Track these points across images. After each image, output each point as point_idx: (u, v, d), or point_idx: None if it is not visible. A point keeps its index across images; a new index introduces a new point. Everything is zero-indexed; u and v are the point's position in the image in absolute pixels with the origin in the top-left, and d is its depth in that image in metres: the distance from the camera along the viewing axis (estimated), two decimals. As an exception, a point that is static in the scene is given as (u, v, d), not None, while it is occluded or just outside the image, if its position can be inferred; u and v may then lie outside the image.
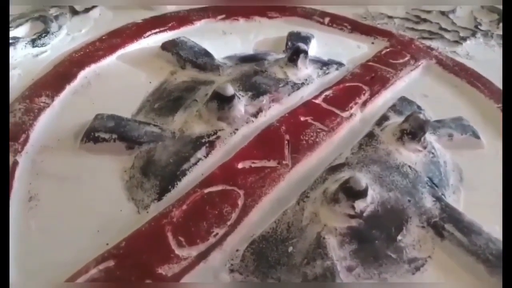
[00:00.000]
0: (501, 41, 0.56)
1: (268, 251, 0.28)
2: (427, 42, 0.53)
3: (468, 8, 0.63)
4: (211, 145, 0.34)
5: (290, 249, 0.28)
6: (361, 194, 0.29)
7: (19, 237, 0.28)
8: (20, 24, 0.48)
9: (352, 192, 0.28)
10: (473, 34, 0.56)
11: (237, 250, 0.28)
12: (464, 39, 0.55)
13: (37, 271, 0.26)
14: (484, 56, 0.53)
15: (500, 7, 0.65)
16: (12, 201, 0.30)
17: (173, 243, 0.27)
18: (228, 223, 0.29)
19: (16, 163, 0.33)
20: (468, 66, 0.49)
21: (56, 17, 0.50)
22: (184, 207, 0.30)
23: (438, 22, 0.58)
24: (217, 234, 0.28)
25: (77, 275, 0.25)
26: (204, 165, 0.33)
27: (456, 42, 0.54)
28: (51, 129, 0.37)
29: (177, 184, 0.32)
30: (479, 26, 0.58)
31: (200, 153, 0.33)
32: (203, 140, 0.34)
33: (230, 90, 0.35)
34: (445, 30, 0.57)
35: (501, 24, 0.59)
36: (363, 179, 0.29)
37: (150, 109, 0.39)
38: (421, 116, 0.35)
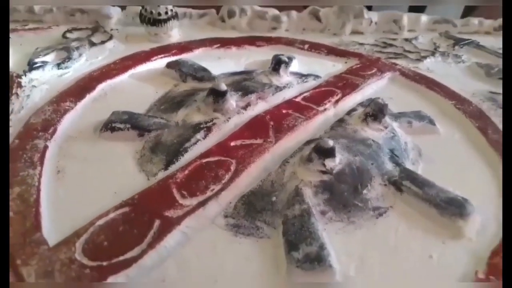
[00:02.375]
0: (456, 59, 0.65)
1: (255, 201, 0.34)
2: (393, 61, 0.62)
3: (428, 36, 0.73)
4: (208, 130, 0.41)
5: (274, 198, 0.34)
6: (330, 152, 0.35)
7: (49, 200, 0.34)
8: (47, 53, 0.57)
9: (322, 151, 0.35)
10: (433, 54, 0.66)
11: (230, 202, 0.34)
12: (425, 57, 0.64)
13: (65, 223, 0.32)
14: (442, 70, 0.61)
15: (456, 34, 0.75)
16: (44, 174, 0.37)
17: (177, 195, 0.33)
18: (223, 181, 0.35)
19: (46, 147, 0.39)
20: (430, 77, 0.58)
21: (77, 48, 0.59)
22: (186, 171, 0.36)
23: (402, 46, 0.68)
24: (213, 189, 0.34)
25: (98, 218, 0.31)
26: (202, 144, 0.40)
27: (418, 60, 0.63)
28: (74, 125, 0.44)
29: (180, 158, 0.38)
30: (437, 49, 0.68)
31: (199, 135, 0.40)
32: (202, 126, 0.41)
33: (223, 86, 0.43)
34: (409, 51, 0.66)
35: (456, 47, 0.69)
36: (330, 140, 0.35)
37: (157, 109, 0.47)
38: (380, 100, 0.42)
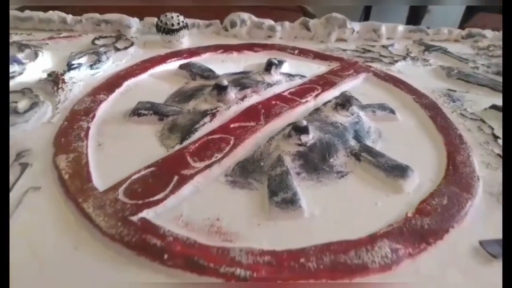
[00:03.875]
0: (424, 63, 0.77)
1: (248, 165, 0.45)
2: (369, 64, 0.74)
3: (403, 43, 0.85)
4: (213, 115, 0.53)
5: (262, 163, 0.46)
6: (304, 130, 0.46)
7: (95, 163, 0.46)
8: (81, 57, 0.69)
9: (299, 129, 0.46)
10: (404, 58, 0.77)
11: (229, 166, 0.46)
12: (397, 61, 0.75)
13: (108, 178, 0.43)
14: (410, 72, 0.72)
15: (428, 42, 0.87)
16: (89, 146, 0.48)
17: (190, 160, 0.45)
18: (224, 152, 0.46)
19: (88, 127, 0.51)
20: (398, 77, 0.69)
21: (105, 52, 0.71)
22: (196, 145, 0.47)
23: (379, 52, 0.80)
24: (217, 157, 0.46)
25: (134, 173, 0.43)
26: (208, 126, 0.51)
27: (391, 63, 0.75)
28: (108, 111, 0.56)
29: (191, 135, 0.50)
30: (409, 54, 0.80)
31: (206, 119, 0.52)
32: (208, 112, 0.53)
33: (225, 82, 0.54)
34: (384, 56, 0.77)
35: (426, 52, 0.81)
36: (304, 121, 0.47)
37: (172, 100, 0.58)
38: (348, 93, 0.54)
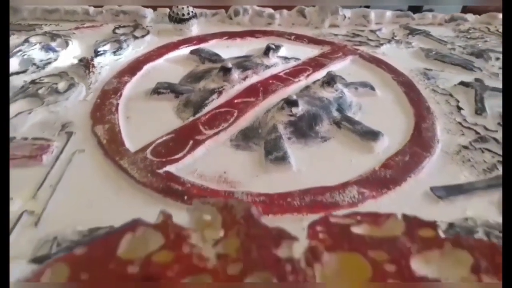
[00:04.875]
0: (407, 45, 0.86)
1: (249, 132, 0.56)
2: (357, 47, 0.83)
3: (390, 28, 0.94)
4: (220, 93, 0.63)
5: (260, 131, 0.56)
6: (294, 103, 0.57)
7: (125, 132, 0.57)
8: (105, 44, 0.79)
9: (290, 102, 0.57)
10: (389, 41, 0.86)
11: (233, 133, 0.56)
12: (382, 44, 0.85)
13: (137, 143, 0.54)
14: (393, 54, 0.82)
15: (414, 26, 0.96)
16: (120, 119, 0.59)
17: (202, 128, 0.56)
18: (229, 122, 0.57)
19: (117, 104, 0.62)
20: (381, 58, 0.79)
21: (125, 40, 0.81)
22: (207, 116, 0.58)
23: (367, 36, 0.89)
24: (223, 126, 0.56)
25: (157, 139, 0.54)
26: (216, 102, 0.62)
27: (376, 46, 0.84)
28: (132, 91, 0.66)
29: (202, 109, 0.60)
30: (394, 37, 0.89)
31: (214, 96, 0.62)
32: (215, 90, 0.63)
33: (229, 64, 0.65)
34: (371, 40, 0.87)
35: (410, 36, 0.90)
36: (294, 96, 0.57)
37: (185, 81, 0.69)
38: (332, 72, 0.64)
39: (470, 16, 0.97)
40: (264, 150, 0.53)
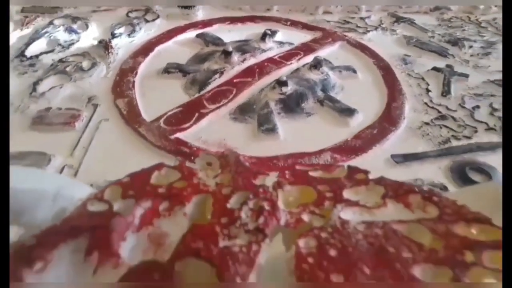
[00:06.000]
0: (392, 32, 0.95)
1: (245, 107, 0.66)
2: (346, 33, 0.93)
3: (379, 15, 1.03)
4: (221, 73, 0.73)
5: (254, 106, 0.67)
6: (284, 83, 0.67)
7: (141, 105, 0.67)
8: (120, 27, 0.89)
9: (280, 82, 0.67)
10: (376, 28, 0.95)
11: (232, 108, 0.67)
12: (369, 31, 0.94)
13: (151, 114, 0.65)
14: (379, 40, 0.91)
15: (401, 14, 1.04)
16: (136, 94, 0.70)
17: (206, 103, 0.66)
18: (229, 98, 0.68)
19: (134, 81, 0.72)
20: (366, 45, 0.88)
21: (138, 24, 0.91)
22: (210, 93, 0.68)
23: (356, 23, 0.98)
24: (224, 101, 0.67)
25: (167, 112, 0.65)
26: (218, 81, 0.72)
27: (364, 33, 0.93)
28: (145, 70, 0.77)
29: (206, 87, 0.71)
30: (381, 25, 0.98)
31: (216, 76, 0.72)
32: (218, 71, 0.74)
33: (230, 48, 0.75)
34: (359, 27, 0.96)
35: (395, 23, 0.99)
36: (284, 77, 0.67)
37: (191, 62, 0.79)
38: (319, 57, 0.74)
39: (453, 6, 1.05)
40: (257, 122, 0.63)
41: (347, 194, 0.33)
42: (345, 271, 0.25)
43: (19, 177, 0.29)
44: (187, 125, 0.62)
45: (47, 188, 0.29)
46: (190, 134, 0.61)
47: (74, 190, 0.31)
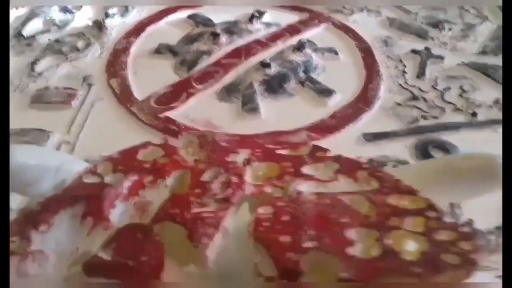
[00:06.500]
0: (377, 14, 0.98)
1: (231, 88, 0.71)
2: (331, 15, 0.96)
3: None
4: (209, 54, 0.77)
5: (239, 87, 0.71)
6: (268, 65, 0.72)
7: (134, 85, 0.72)
8: (113, 6, 0.92)
9: (264, 64, 0.72)
10: (361, 10, 0.98)
11: (218, 88, 0.72)
12: (355, 12, 0.97)
13: (143, 93, 0.70)
14: (363, 22, 0.94)
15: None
16: (129, 74, 0.74)
17: (194, 83, 0.71)
18: (215, 78, 0.72)
19: (126, 61, 0.77)
20: (350, 26, 0.92)
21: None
22: (199, 74, 0.73)
23: (344, 4, 1.01)
24: (211, 81, 0.72)
25: (158, 91, 0.69)
26: (206, 61, 0.76)
27: (349, 14, 0.96)
28: (138, 50, 0.81)
29: (194, 68, 0.75)
30: (367, 6, 1.01)
31: (205, 56, 0.77)
32: (206, 52, 0.78)
33: (218, 30, 0.79)
34: (345, 8, 0.99)
35: (381, 5, 1.02)
36: (268, 59, 0.72)
37: (182, 43, 0.83)
38: (302, 40, 0.78)
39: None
40: (241, 102, 0.68)
41: (306, 169, 0.38)
42: (292, 233, 0.30)
43: (26, 154, 0.34)
44: (176, 104, 0.67)
45: (50, 163, 0.35)
46: (178, 113, 0.66)
47: (73, 165, 0.37)
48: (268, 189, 0.35)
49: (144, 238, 0.29)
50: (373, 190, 0.35)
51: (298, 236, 0.30)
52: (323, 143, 0.63)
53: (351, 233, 0.30)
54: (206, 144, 0.41)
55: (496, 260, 0.47)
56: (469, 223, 0.30)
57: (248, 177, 0.37)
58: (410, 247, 0.29)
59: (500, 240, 0.49)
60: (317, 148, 0.43)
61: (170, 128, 0.62)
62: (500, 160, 0.32)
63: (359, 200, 0.33)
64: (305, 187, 0.36)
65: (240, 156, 0.39)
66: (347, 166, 0.38)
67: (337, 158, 0.40)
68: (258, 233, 0.31)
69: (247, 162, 0.39)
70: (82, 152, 0.58)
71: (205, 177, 0.36)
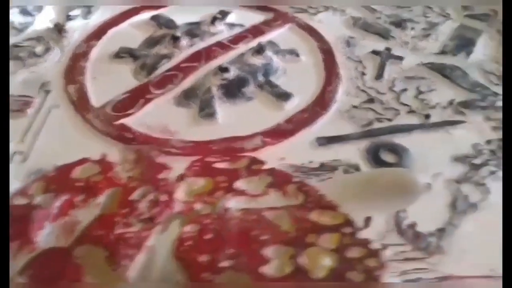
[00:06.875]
0: (342, 13, 0.98)
1: (189, 92, 0.71)
2: (296, 14, 0.96)
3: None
4: (169, 58, 0.77)
5: (198, 91, 0.71)
6: (225, 69, 0.72)
7: (92, 92, 0.72)
8: (75, 8, 0.91)
9: (222, 69, 0.72)
10: (327, 9, 0.99)
11: (177, 93, 0.72)
12: (320, 11, 0.97)
13: (100, 100, 0.70)
14: (328, 22, 0.94)
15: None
16: (87, 79, 0.74)
17: (152, 89, 0.71)
18: (174, 83, 0.72)
19: (86, 66, 0.76)
20: (313, 27, 0.92)
21: (94, 5, 0.93)
22: (157, 79, 0.73)
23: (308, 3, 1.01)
24: (169, 87, 0.72)
25: (115, 98, 0.69)
26: (166, 65, 0.76)
27: (314, 14, 0.97)
28: (98, 53, 0.80)
29: (155, 71, 0.75)
30: (332, 5, 1.01)
31: (164, 61, 0.76)
32: (166, 56, 0.78)
33: (178, 33, 0.79)
34: (311, 7, 0.99)
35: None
36: (226, 63, 0.72)
37: (143, 46, 0.82)
38: (262, 43, 0.78)
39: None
40: (198, 107, 0.69)
41: (239, 183, 0.39)
42: (212, 252, 0.31)
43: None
44: (133, 110, 0.67)
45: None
46: (135, 120, 0.67)
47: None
48: (197, 206, 0.36)
49: (63, 262, 0.30)
50: (298, 205, 0.36)
51: (217, 255, 0.31)
52: (277, 148, 0.64)
53: (268, 251, 0.32)
54: (142, 160, 0.42)
55: (435, 262, 0.50)
56: (378, 239, 0.32)
57: (180, 193, 0.38)
58: (322, 264, 0.30)
59: (441, 243, 0.52)
60: (254, 161, 0.44)
61: (125, 136, 0.62)
62: (413, 176, 0.33)
63: (282, 216, 0.35)
64: (233, 203, 0.37)
65: (174, 172, 0.40)
66: (279, 180, 0.40)
67: (271, 171, 0.41)
68: (180, 252, 0.32)
69: (181, 178, 0.39)
70: (35, 163, 0.58)
71: (134, 195, 0.37)
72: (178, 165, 0.47)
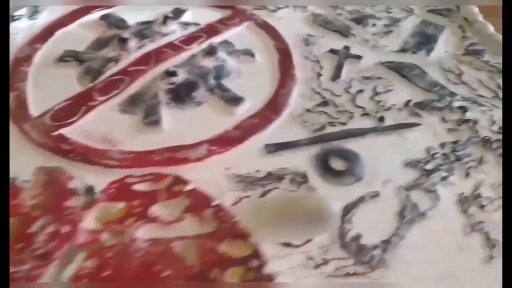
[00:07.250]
0: (303, 9, 0.95)
1: (135, 98, 0.68)
2: (255, 11, 0.93)
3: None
4: (116, 61, 0.74)
5: (144, 97, 0.68)
6: (173, 73, 0.69)
7: (32, 99, 0.68)
8: (21, 8, 0.87)
9: (169, 73, 0.69)
10: (287, 6, 0.96)
11: (124, 97, 0.69)
12: (281, 8, 0.94)
13: (40, 109, 0.66)
14: (288, 18, 0.91)
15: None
16: (28, 86, 0.70)
17: (95, 95, 0.68)
18: (120, 89, 0.69)
19: (28, 71, 0.72)
20: (271, 25, 0.89)
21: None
22: (102, 84, 0.70)
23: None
24: (114, 92, 0.69)
25: (54, 106, 0.66)
26: (113, 69, 0.73)
27: (274, 11, 0.94)
28: (42, 58, 0.76)
29: (100, 77, 0.72)
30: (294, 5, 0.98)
31: (111, 65, 0.73)
32: (113, 59, 0.74)
33: (125, 35, 0.75)
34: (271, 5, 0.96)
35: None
36: (173, 67, 0.69)
37: (90, 48, 0.79)
38: (213, 44, 0.75)
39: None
40: (143, 114, 0.66)
41: (155, 208, 0.36)
42: (107, 292, 0.29)
43: None
44: (73, 119, 0.64)
45: None
46: (75, 129, 0.63)
47: None
48: (104, 236, 0.34)
49: None
50: (210, 233, 0.34)
51: (112, 296, 0.28)
52: (224, 156, 0.61)
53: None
54: (50, 184, 0.39)
55: (377, 276, 0.48)
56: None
57: (88, 221, 0.35)
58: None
59: (384, 255, 0.50)
60: (177, 181, 0.42)
61: (62, 148, 0.59)
62: (330, 207, 0.32)
63: (189, 247, 0.32)
64: (142, 233, 0.35)
65: (83, 198, 0.38)
66: (198, 203, 0.37)
67: (191, 193, 0.39)
68: (72, 292, 0.29)
69: (89, 205, 0.37)
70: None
71: (33, 227, 0.34)
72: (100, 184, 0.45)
